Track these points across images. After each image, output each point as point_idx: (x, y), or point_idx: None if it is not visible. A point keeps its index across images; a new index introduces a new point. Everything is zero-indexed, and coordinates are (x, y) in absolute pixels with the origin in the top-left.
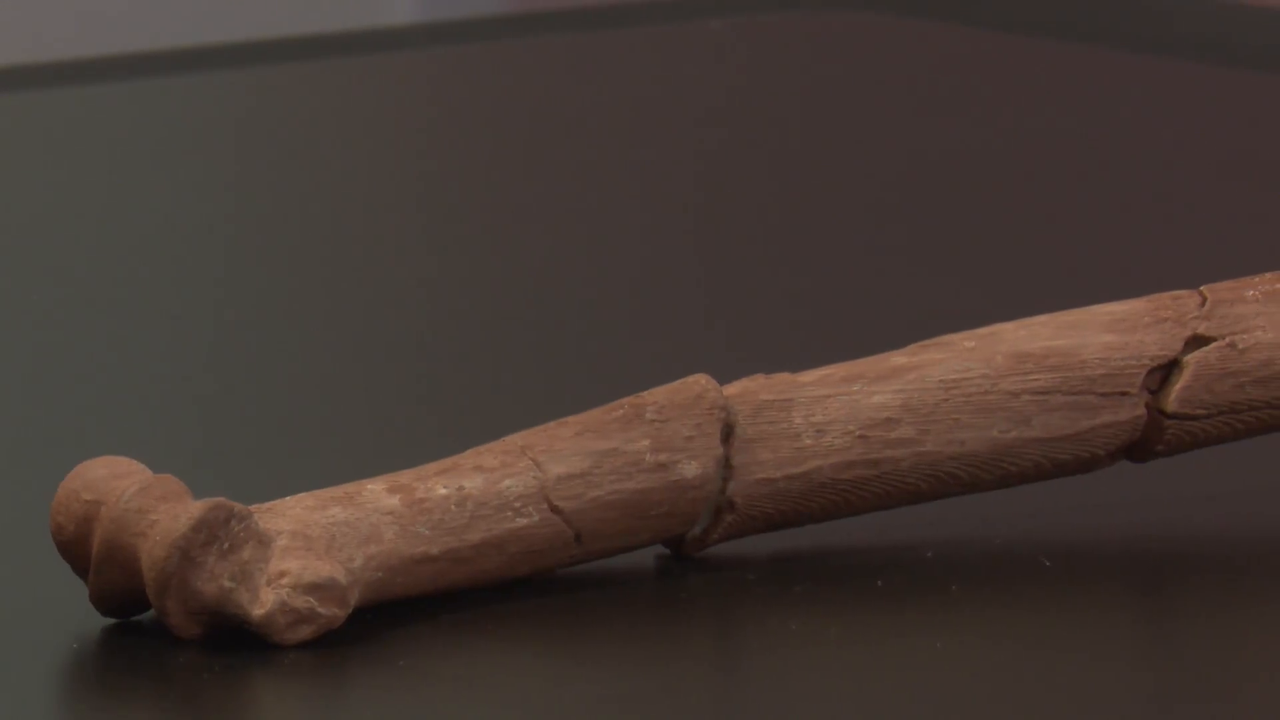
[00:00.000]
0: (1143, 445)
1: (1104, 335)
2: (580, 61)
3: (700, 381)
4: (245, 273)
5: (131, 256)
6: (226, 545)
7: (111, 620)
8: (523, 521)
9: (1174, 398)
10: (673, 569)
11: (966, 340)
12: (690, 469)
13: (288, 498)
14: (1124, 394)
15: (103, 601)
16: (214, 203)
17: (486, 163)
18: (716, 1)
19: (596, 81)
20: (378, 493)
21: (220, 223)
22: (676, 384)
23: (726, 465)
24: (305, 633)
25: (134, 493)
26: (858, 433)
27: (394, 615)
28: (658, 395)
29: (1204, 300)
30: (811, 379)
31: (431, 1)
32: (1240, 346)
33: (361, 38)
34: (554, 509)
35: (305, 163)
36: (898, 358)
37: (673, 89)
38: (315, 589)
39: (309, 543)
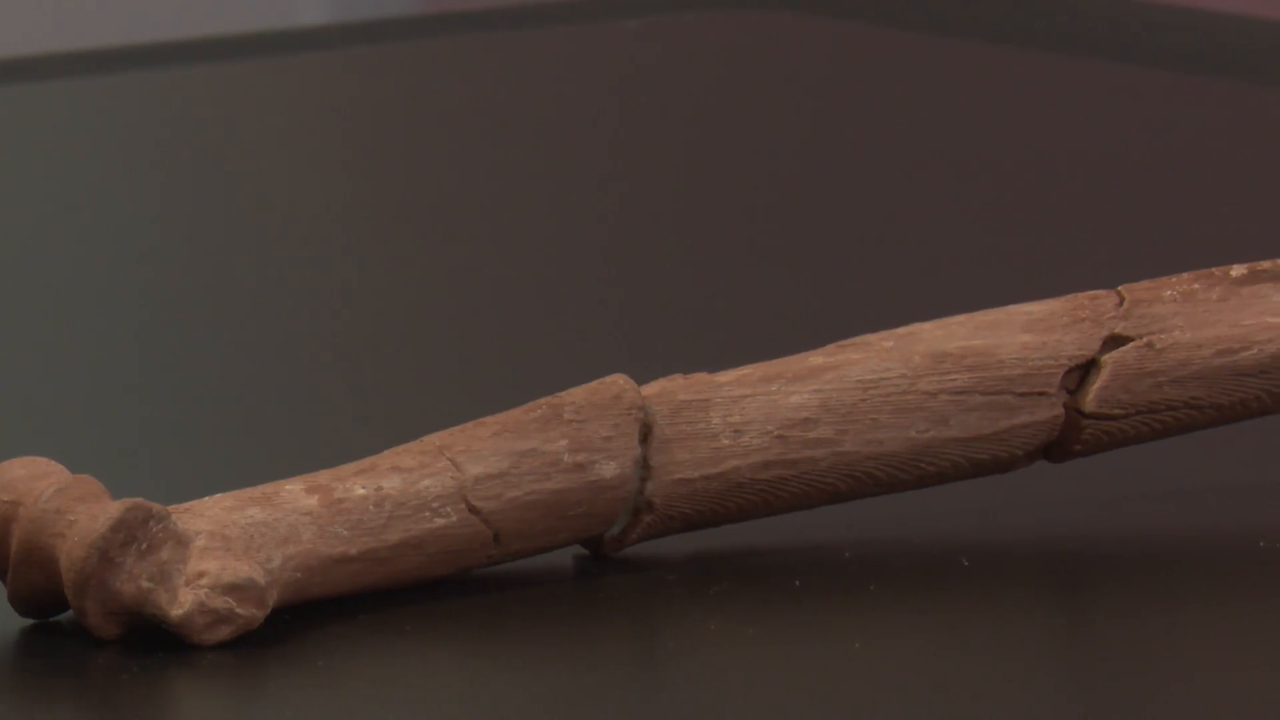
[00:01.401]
0: (1060, 445)
1: (1022, 335)
2: (494, 62)
3: (618, 382)
4: (161, 274)
5: (44, 257)
6: (145, 546)
7: (30, 621)
8: (441, 522)
9: (1092, 398)
10: (591, 569)
11: (885, 340)
12: (608, 469)
13: (206, 498)
14: (1042, 394)
15: (21, 602)
16: (127, 204)
17: (401, 164)
18: (631, 1)
19: (510, 82)
20: (296, 493)
21: (133, 224)
22: (594, 384)
23: (645, 465)
24: (224, 633)
25: (52, 493)
26: (776, 433)
27: (312, 616)
28: (576, 395)
29: (1122, 300)
30: (729, 379)
31: (341, 2)
32: (1158, 346)
33: (271, 38)
34: (472, 509)
35: (217, 164)
36: (816, 358)
37: (588, 89)
38: (233, 589)
39: (227, 543)
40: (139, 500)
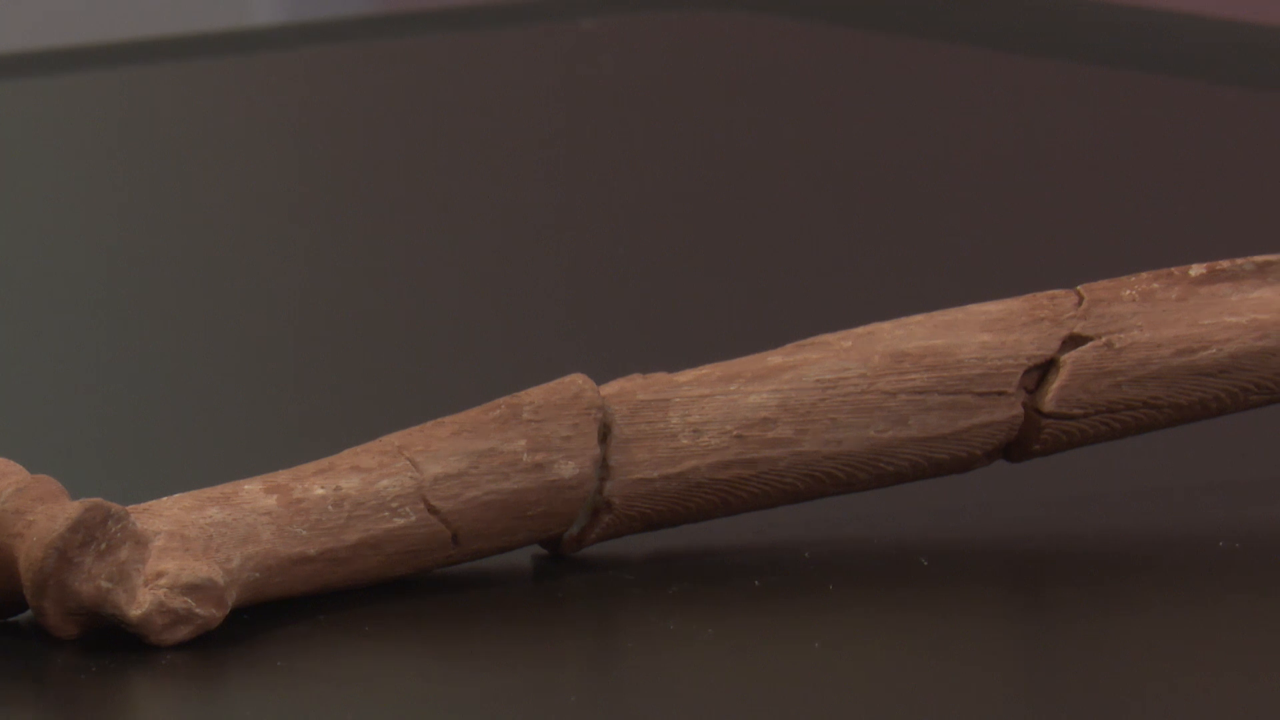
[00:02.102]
0: (1019, 445)
1: (981, 335)
2: (450, 62)
3: (577, 381)
4: (118, 274)
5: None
6: (104, 546)
7: None
8: (400, 522)
9: (1051, 397)
10: (550, 569)
11: (844, 340)
12: (567, 469)
13: (165, 498)
14: (1001, 393)
15: None
16: (82, 204)
17: (357, 164)
18: (587, 1)
19: (466, 82)
20: (255, 493)
21: (88, 225)
22: (553, 384)
23: (604, 465)
24: (183, 633)
25: (11, 494)
26: (735, 432)
27: (272, 616)
28: (534, 395)
29: (1081, 300)
30: (688, 379)
31: (295, 2)
32: (1117, 346)
33: (224, 39)
34: (431, 509)
35: (173, 165)
36: (775, 357)
37: (544, 89)
38: (193, 589)
39: (186, 543)
40: (98, 500)
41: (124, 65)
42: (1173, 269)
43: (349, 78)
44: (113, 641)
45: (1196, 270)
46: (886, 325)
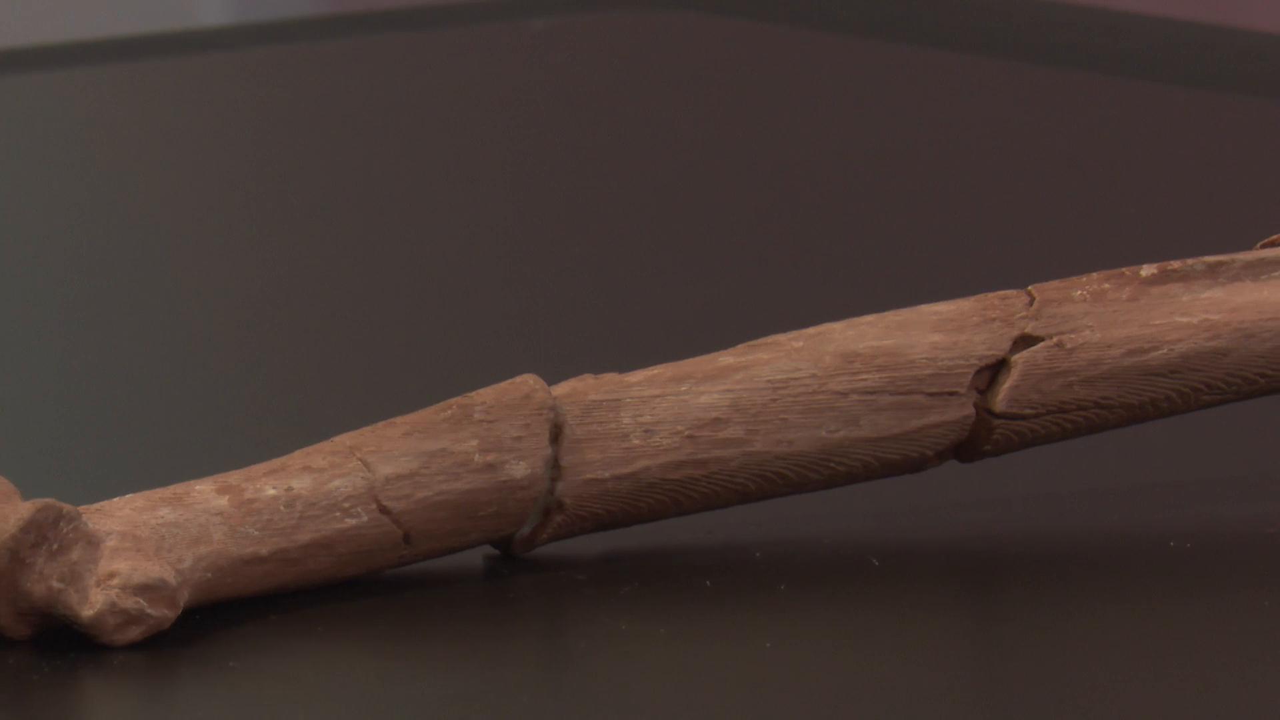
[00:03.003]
0: (971, 445)
1: (932, 335)
2: (397, 63)
3: (528, 382)
4: (69, 275)
5: None
6: (56, 546)
7: None
8: (351, 522)
9: (1002, 397)
10: (501, 569)
11: (795, 340)
12: (519, 469)
13: (117, 499)
14: (952, 394)
15: None
16: (28, 204)
17: (306, 164)
18: (534, 2)
19: (414, 83)
20: (206, 493)
21: (35, 225)
22: (505, 384)
23: (555, 465)
24: (135, 634)
25: None
26: (686, 433)
27: (224, 616)
28: (486, 395)
29: (1032, 300)
30: (640, 379)
31: (241, 3)
32: (1068, 346)
33: (170, 39)
34: (383, 509)
35: (119, 166)
36: (726, 358)
37: (492, 90)
38: (145, 590)
39: (138, 543)
40: (50, 501)
41: (69, 67)
42: (1124, 269)
43: (296, 79)
44: (65, 642)
45: (1148, 270)
46: (838, 325)
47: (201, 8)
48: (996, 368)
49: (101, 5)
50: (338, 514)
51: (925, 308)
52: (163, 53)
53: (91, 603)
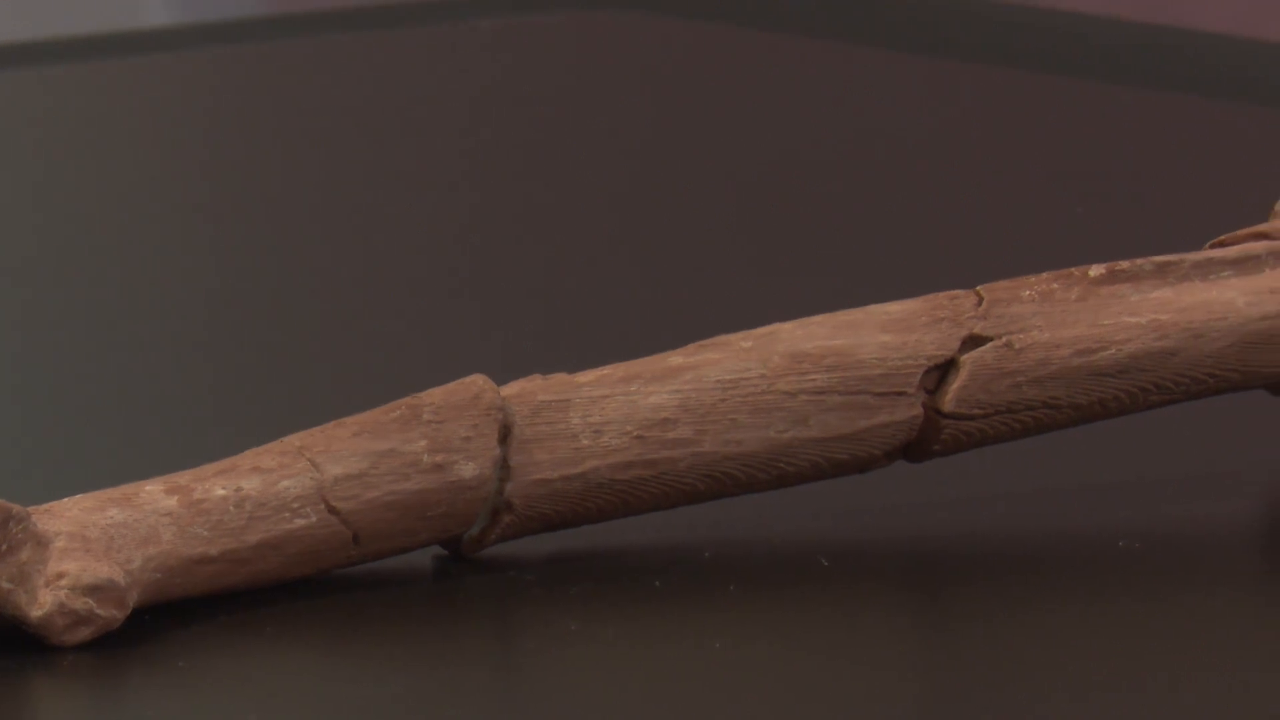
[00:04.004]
0: (919, 445)
1: (881, 335)
2: (344, 64)
3: (477, 382)
4: (15, 276)
5: None
6: (4, 547)
7: None
8: (301, 522)
9: (950, 397)
10: (450, 570)
11: (744, 340)
12: (468, 470)
13: (66, 499)
14: (901, 394)
15: None
16: None
17: (253, 165)
18: (484, 2)
19: (362, 84)
20: (156, 494)
21: None
22: (454, 385)
23: (504, 466)
24: (84, 634)
25: None
26: (635, 433)
27: (173, 616)
28: (435, 396)
29: (980, 300)
30: (589, 379)
31: (186, 4)
32: (1017, 346)
33: (114, 40)
34: (332, 510)
35: (64, 166)
36: (675, 358)
37: (441, 90)
38: (94, 590)
39: (87, 544)
40: None
41: (14, 68)
42: (1072, 269)
43: (243, 80)
44: (14, 642)
45: (1096, 270)
46: (787, 325)
47: (147, 8)
48: (945, 368)
49: (47, 5)
50: (287, 514)
51: (874, 308)
52: (109, 53)
53: (40, 603)
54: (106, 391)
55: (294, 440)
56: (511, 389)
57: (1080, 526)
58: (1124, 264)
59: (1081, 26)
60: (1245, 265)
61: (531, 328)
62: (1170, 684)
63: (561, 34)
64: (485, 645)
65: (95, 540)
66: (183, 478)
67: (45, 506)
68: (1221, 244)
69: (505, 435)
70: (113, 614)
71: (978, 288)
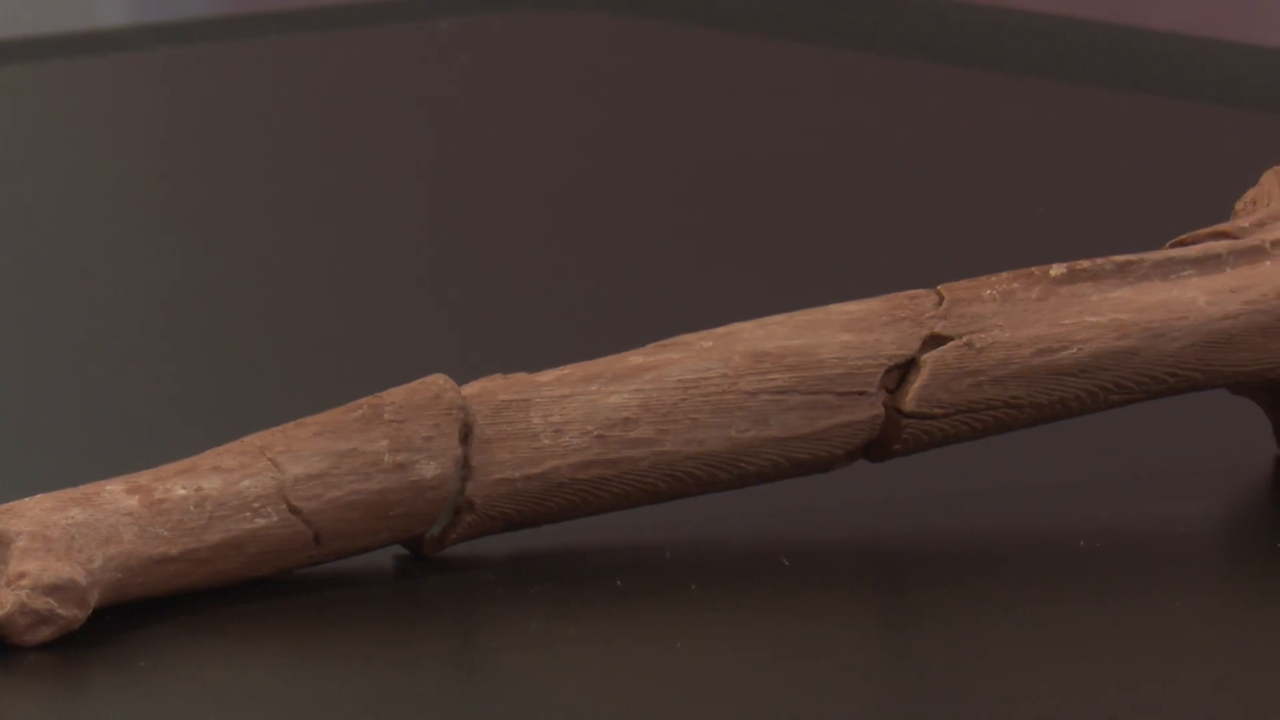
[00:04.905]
0: (880, 444)
1: (841, 335)
2: (301, 64)
3: (438, 381)
4: None
5: None
6: None
7: None
8: (261, 522)
9: (911, 397)
10: (411, 569)
11: (704, 340)
12: (429, 469)
13: (26, 499)
14: (861, 393)
15: None
16: None
17: (208, 164)
18: (442, 2)
19: (320, 84)
20: (116, 494)
21: None
22: (414, 384)
23: (465, 465)
24: (45, 634)
25: None
26: (596, 433)
27: (134, 616)
28: (396, 395)
29: (941, 300)
30: (550, 379)
31: (141, 4)
32: (977, 346)
33: (68, 40)
34: (293, 509)
35: (22, 167)
36: (635, 357)
37: (399, 90)
38: (55, 590)
39: (48, 544)
40: None
41: None
42: (1033, 269)
43: (198, 80)
44: None
45: (1057, 270)
46: (748, 325)
47: (101, 8)
48: (906, 367)
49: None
50: (248, 514)
51: (835, 307)
52: (63, 54)
53: (1, 603)
54: (67, 391)
55: (255, 440)
56: (472, 388)
57: (1041, 526)
58: (1085, 263)
59: (1042, 26)
60: (1206, 264)
61: (492, 327)
62: (1130, 682)
63: (521, 34)
64: (446, 645)
65: (56, 540)
66: (143, 477)
67: (6, 506)
68: (1182, 243)
69: (466, 435)
70: (74, 614)
71: (938, 287)
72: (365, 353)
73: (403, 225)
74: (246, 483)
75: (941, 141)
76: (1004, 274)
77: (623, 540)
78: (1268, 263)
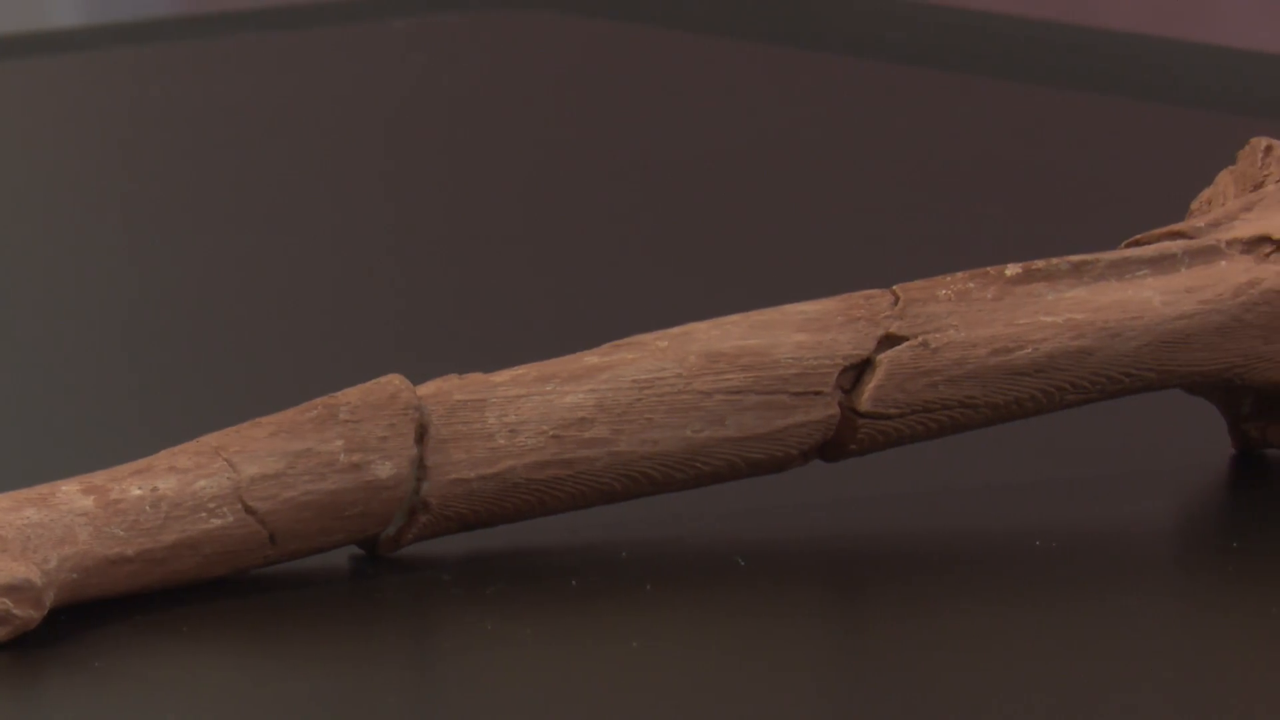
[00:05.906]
0: (836, 444)
1: (797, 334)
2: (255, 64)
3: (394, 382)
4: None
5: None
6: None
7: None
8: (217, 522)
9: (867, 397)
10: (367, 569)
11: (659, 340)
12: (384, 469)
13: None
14: (817, 393)
15: None
16: None
17: (163, 165)
18: (396, 2)
19: (274, 84)
20: (72, 494)
21: None
22: (370, 384)
23: (421, 465)
24: (0, 635)
25: None
26: (551, 433)
27: (89, 616)
28: (351, 395)
29: (897, 299)
30: (505, 379)
31: (95, 4)
32: (933, 345)
33: (22, 40)
34: (248, 509)
35: None
36: (591, 357)
37: (355, 90)
38: (10, 590)
39: (3, 544)
40: None
41: None
42: (988, 268)
43: (152, 80)
44: None
45: (1012, 270)
46: (703, 325)
47: (55, 9)
48: (861, 367)
49: None
50: (203, 514)
51: (790, 307)
52: (16, 54)
53: None
54: (21, 391)
55: (210, 440)
56: (428, 388)
57: (996, 526)
58: (1040, 263)
59: (996, 25)
60: (1161, 264)
61: (448, 327)
62: (1084, 683)
63: (474, 33)
64: (402, 645)
65: (11, 540)
66: (99, 478)
67: None
68: (1138, 243)
69: (422, 435)
70: (29, 614)
71: (894, 287)
72: (321, 352)
73: (357, 225)
74: (202, 483)
75: (896, 141)
76: (959, 274)
77: (578, 540)
78: (1223, 262)
